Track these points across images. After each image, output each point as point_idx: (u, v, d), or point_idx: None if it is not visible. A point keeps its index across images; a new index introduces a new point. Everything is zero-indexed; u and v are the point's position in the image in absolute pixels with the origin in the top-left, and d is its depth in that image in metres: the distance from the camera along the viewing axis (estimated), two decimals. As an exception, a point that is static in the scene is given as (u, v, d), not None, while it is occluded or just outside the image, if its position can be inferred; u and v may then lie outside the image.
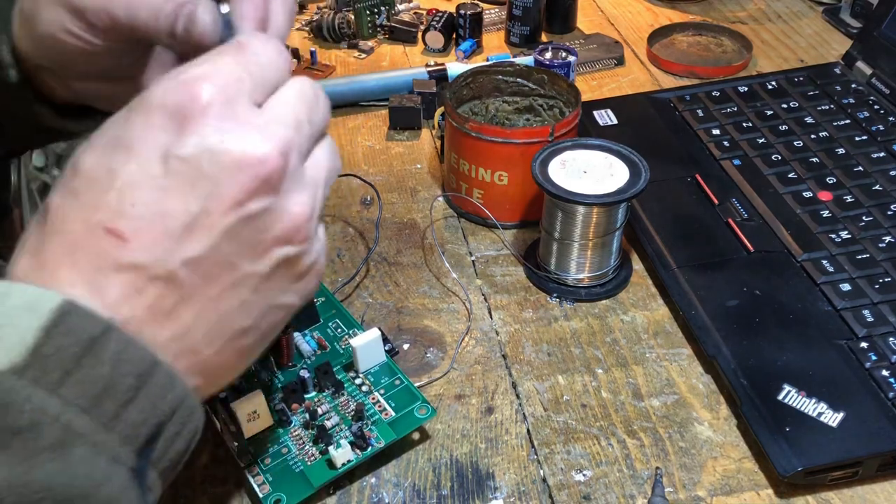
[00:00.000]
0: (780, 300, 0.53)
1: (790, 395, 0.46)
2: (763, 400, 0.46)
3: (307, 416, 0.46)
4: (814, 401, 0.46)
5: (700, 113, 0.71)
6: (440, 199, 0.66)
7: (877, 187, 0.60)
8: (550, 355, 0.53)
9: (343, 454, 0.43)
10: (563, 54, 0.75)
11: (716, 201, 0.61)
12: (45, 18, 0.42)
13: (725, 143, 0.67)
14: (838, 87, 0.72)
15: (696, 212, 0.60)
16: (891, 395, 0.46)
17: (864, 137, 0.65)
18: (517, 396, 0.50)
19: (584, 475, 0.45)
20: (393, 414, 0.46)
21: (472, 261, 0.60)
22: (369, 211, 0.65)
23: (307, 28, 0.91)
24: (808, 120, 0.68)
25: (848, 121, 0.67)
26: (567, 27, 0.90)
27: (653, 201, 0.61)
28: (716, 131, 0.68)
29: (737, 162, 0.65)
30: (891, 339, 0.49)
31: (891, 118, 0.67)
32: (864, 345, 0.49)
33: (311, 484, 0.43)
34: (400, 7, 0.93)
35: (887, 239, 0.56)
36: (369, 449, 0.44)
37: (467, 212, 0.64)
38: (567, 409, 0.49)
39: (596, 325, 0.55)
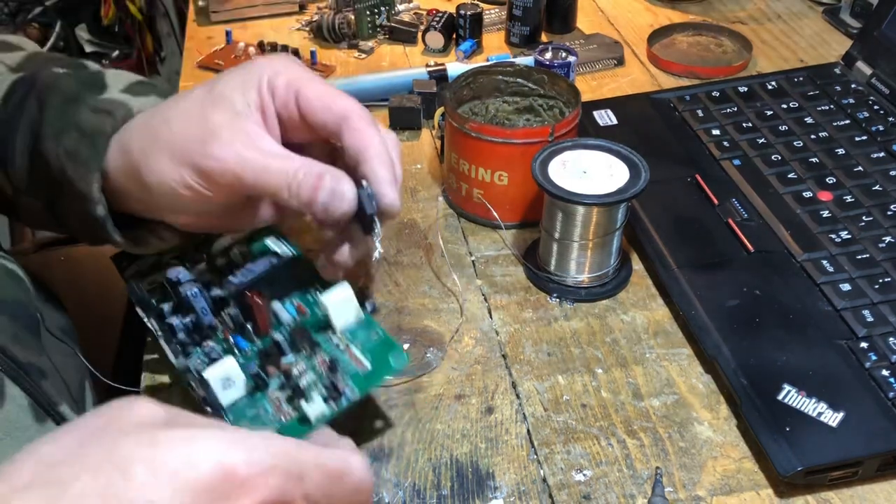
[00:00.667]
0: (780, 300, 0.53)
1: (790, 395, 0.46)
2: (763, 400, 0.46)
3: (283, 378, 0.45)
4: (814, 401, 0.46)
5: (700, 113, 0.71)
6: (440, 199, 0.66)
7: (877, 187, 0.60)
8: (550, 355, 0.53)
9: (315, 408, 0.43)
10: (563, 54, 0.75)
11: (716, 201, 0.61)
12: (160, 170, 0.43)
13: (725, 143, 0.67)
14: (838, 88, 0.72)
15: (696, 212, 0.60)
16: (891, 394, 0.46)
17: (864, 137, 0.65)
18: (517, 396, 0.50)
19: (584, 475, 0.45)
20: (368, 366, 0.45)
21: (472, 261, 0.60)
22: (369, 211, 0.65)
23: (307, 28, 0.91)
24: (808, 120, 0.68)
25: (848, 121, 0.67)
26: (567, 27, 0.90)
27: (653, 201, 0.61)
28: (716, 131, 0.68)
29: (737, 162, 0.65)
30: (891, 339, 0.49)
31: (890, 118, 0.67)
32: (864, 345, 0.49)
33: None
34: (400, 7, 0.93)
35: (887, 239, 0.56)
36: (343, 400, 0.43)
37: (467, 212, 0.64)
38: (567, 409, 0.49)
39: (596, 325, 0.55)
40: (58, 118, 0.47)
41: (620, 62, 0.84)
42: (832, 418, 0.45)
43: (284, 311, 0.49)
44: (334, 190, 0.42)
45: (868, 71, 0.73)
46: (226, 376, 0.43)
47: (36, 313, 0.51)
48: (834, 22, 0.89)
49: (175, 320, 0.47)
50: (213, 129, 0.43)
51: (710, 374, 0.51)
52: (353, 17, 0.89)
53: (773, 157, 0.65)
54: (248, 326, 0.47)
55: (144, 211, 0.47)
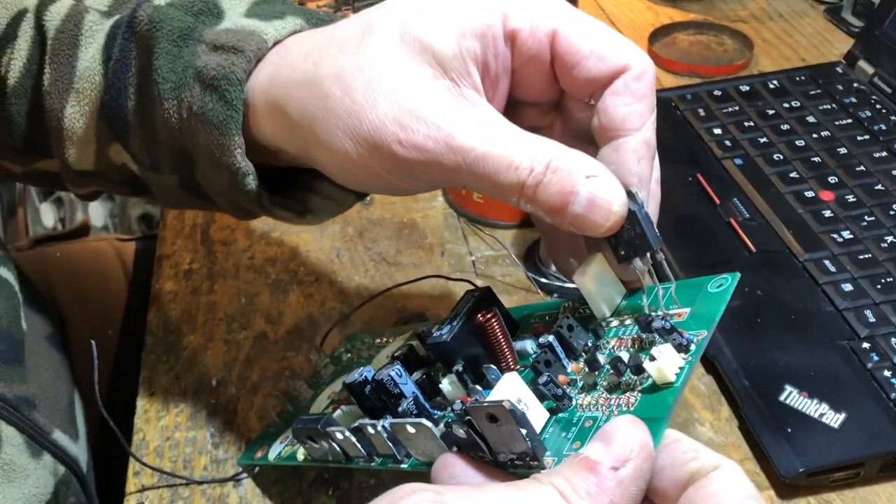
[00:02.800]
0: (781, 300, 0.52)
1: (792, 396, 0.46)
2: (764, 401, 0.46)
3: (584, 374, 0.32)
4: (815, 401, 0.46)
5: (701, 112, 0.70)
6: (440, 199, 0.66)
7: (879, 187, 0.60)
8: (551, 356, 0.52)
9: (670, 359, 0.30)
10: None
11: (717, 201, 0.61)
12: (336, 149, 0.33)
13: (727, 142, 0.67)
14: (840, 87, 0.71)
15: (697, 212, 0.60)
16: (893, 395, 0.46)
17: (866, 137, 0.65)
18: (517, 397, 0.50)
19: (584, 476, 0.45)
20: (688, 310, 0.32)
21: (472, 261, 0.60)
22: (369, 211, 0.65)
23: (307, 27, 0.91)
24: (810, 119, 0.68)
25: (850, 120, 0.67)
26: (568, 26, 0.90)
27: (654, 201, 0.60)
28: (717, 131, 0.68)
29: (738, 161, 0.64)
30: (893, 339, 0.49)
31: (893, 117, 0.67)
32: (866, 345, 0.49)
33: (660, 418, 0.29)
34: (400, 6, 0.92)
35: (889, 239, 0.56)
36: (693, 348, 0.30)
37: (467, 212, 0.64)
38: (567, 409, 0.49)
39: (596, 326, 0.54)
40: (171, 69, 0.37)
41: (621, 61, 0.84)
42: (834, 419, 0.45)
43: (524, 343, 0.36)
44: (596, 201, 0.30)
45: (870, 70, 0.72)
46: (518, 397, 0.31)
47: (20, 332, 0.48)
48: (836, 21, 0.89)
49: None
50: (414, 104, 0.31)
51: (711, 374, 0.51)
52: (352, 15, 0.89)
53: (774, 157, 0.64)
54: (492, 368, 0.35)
55: (304, 163, 0.37)
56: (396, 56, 0.32)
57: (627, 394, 0.30)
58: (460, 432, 0.29)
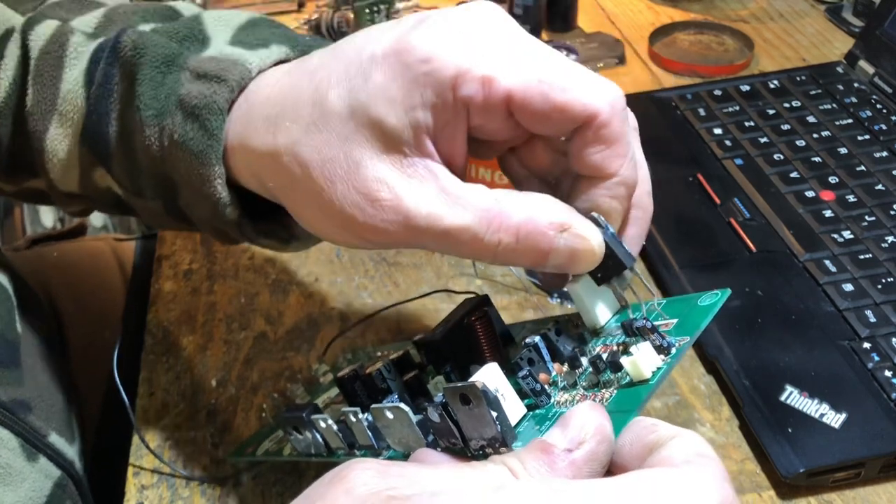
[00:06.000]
0: (782, 300, 0.52)
1: (792, 396, 0.46)
2: (765, 401, 0.46)
3: (566, 374, 0.32)
4: (816, 402, 0.46)
5: (702, 112, 0.70)
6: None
7: (879, 187, 0.60)
8: (551, 356, 0.52)
9: (647, 357, 0.30)
10: (564, 53, 0.75)
11: (718, 201, 0.61)
12: (308, 219, 0.34)
13: (727, 142, 0.66)
14: (840, 87, 0.71)
15: (697, 212, 0.60)
16: (893, 395, 0.46)
17: (867, 137, 0.65)
18: (517, 397, 0.50)
19: (584, 477, 0.45)
20: (674, 321, 0.32)
21: (472, 261, 0.60)
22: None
23: (306, 27, 0.91)
24: (811, 119, 0.68)
25: (850, 120, 0.67)
26: (568, 26, 0.90)
27: (654, 201, 0.60)
28: (717, 130, 0.68)
29: (739, 161, 0.64)
30: (893, 339, 0.49)
31: (893, 117, 0.67)
32: (866, 345, 0.49)
33: (629, 411, 0.29)
34: (399, 6, 0.92)
35: (889, 239, 0.56)
36: (673, 351, 0.30)
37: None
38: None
39: (597, 326, 0.54)
40: (154, 96, 0.36)
41: (622, 61, 0.84)
42: (834, 419, 0.45)
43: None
44: (575, 253, 0.30)
45: (871, 70, 0.72)
46: (495, 387, 0.30)
47: (15, 334, 0.48)
48: (836, 21, 0.89)
49: None
50: (367, 187, 0.31)
51: (711, 374, 0.51)
52: (352, 15, 0.89)
53: (775, 157, 0.64)
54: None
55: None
56: (347, 133, 0.31)
57: (604, 390, 0.31)
58: (435, 416, 0.30)
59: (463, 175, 0.33)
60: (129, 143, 0.38)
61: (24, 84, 0.41)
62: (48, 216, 1.53)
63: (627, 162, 0.32)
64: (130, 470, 0.47)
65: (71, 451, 0.49)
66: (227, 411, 0.50)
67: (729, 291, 0.32)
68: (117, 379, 0.45)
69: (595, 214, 0.32)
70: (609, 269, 0.32)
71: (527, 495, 0.24)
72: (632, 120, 0.34)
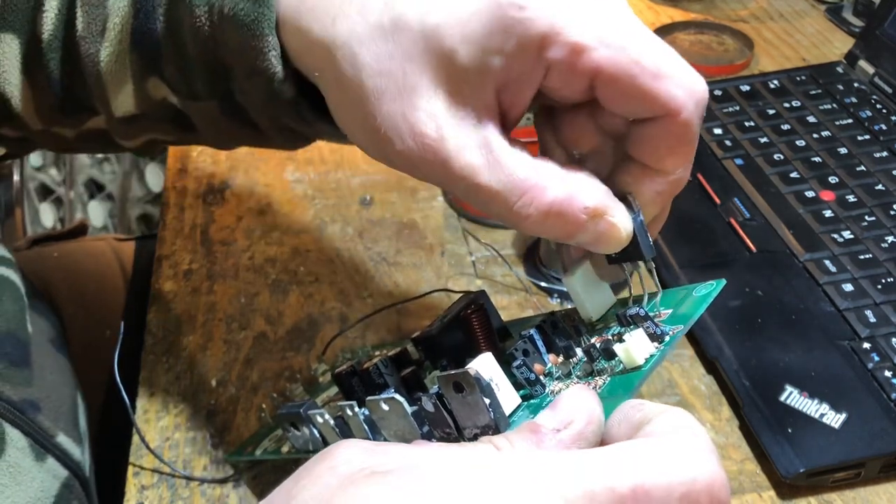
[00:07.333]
0: (782, 301, 0.52)
1: (792, 396, 0.46)
2: (765, 401, 0.46)
3: (561, 364, 0.33)
4: (816, 402, 0.46)
5: (702, 112, 0.70)
6: (440, 199, 0.66)
7: (879, 187, 0.60)
8: (551, 356, 0.52)
9: (640, 344, 0.30)
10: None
11: (717, 201, 0.61)
12: (352, 129, 0.32)
13: (727, 142, 0.66)
14: (840, 87, 0.71)
15: (697, 212, 0.60)
16: (893, 396, 0.46)
17: (867, 137, 0.65)
18: (517, 397, 0.50)
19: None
20: (669, 311, 0.32)
21: (473, 261, 0.60)
22: (369, 211, 0.65)
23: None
24: (811, 119, 0.68)
25: (850, 120, 0.67)
26: (568, 26, 0.90)
27: (654, 201, 0.60)
28: (718, 130, 0.68)
29: (739, 161, 0.64)
30: (893, 339, 0.49)
31: (893, 117, 0.67)
32: (866, 345, 0.49)
33: (622, 395, 0.29)
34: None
35: (889, 239, 0.56)
36: (667, 339, 0.30)
37: (467, 212, 0.64)
38: (568, 410, 0.49)
39: (597, 326, 0.54)
40: None
41: (622, 61, 0.84)
42: (834, 419, 0.45)
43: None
44: (602, 237, 0.30)
45: (871, 70, 0.72)
46: (489, 376, 0.30)
47: (26, 334, 0.48)
48: (836, 21, 0.89)
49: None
50: (416, 116, 0.29)
51: (711, 374, 0.51)
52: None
53: (775, 157, 0.64)
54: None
55: None
56: (413, 52, 0.29)
57: (598, 378, 0.31)
58: (429, 405, 0.30)
59: (514, 125, 0.31)
60: (179, 35, 0.36)
61: (73, 9, 0.40)
62: (48, 216, 1.53)
63: (688, 164, 0.31)
64: (130, 470, 0.47)
65: (77, 452, 0.49)
66: (227, 411, 0.50)
67: (724, 282, 0.32)
68: (118, 379, 0.45)
69: (631, 198, 0.31)
70: (627, 254, 0.32)
71: (510, 466, 0.24)
72: None
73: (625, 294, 0.34)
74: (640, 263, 0.32)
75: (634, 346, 0.29)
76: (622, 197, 0.31)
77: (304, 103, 0.36)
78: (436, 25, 0.29)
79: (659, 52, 0.29)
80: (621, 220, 0.30)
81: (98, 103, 0.42)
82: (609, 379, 0.30)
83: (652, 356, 0.30)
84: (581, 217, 0.29)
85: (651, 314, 0.32)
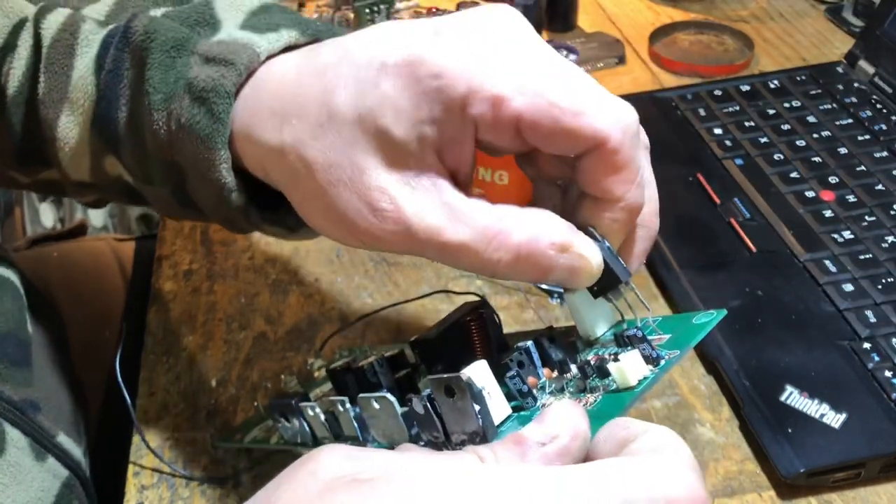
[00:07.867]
0: (782, 301, 0.52)
1: (792, 397, 0.46)
2: (765, 401, 0.46)
3: (554, 379, 0.33)
4: (816, 402, 0.46)
5: (702, 112, 0.70)
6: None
7: (879, 187, 0.60)
8: (551, 356, 0.52)
9: (633, 364, 0.30)
10: (564, 53, 0.75)
11: (717, 201, 0.61)
12: (307, 214, 0.34)
13: (727, 142, 0.66)
14: (841, 87, 0.71)
15: (697, 212, 0.60)
16: (893, 396, 0.46)
17: (867, 137, 0.65)
18: (517, 397, 0.50)
19: (584, 477, 0.45)
20: (668, 336, 0.32)
21: (473, 261, 0.60)
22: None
23: (307, 27, 0.91)
24: (811, 119, 0.68)
25: (850, 120, 0.67)
26: (568, 25, 0.90)
27: (654, 201, 0.60)
28: (718, 130, 0.68)
29: (739, 161, 0.64)
30: (894, 339, 0.49)
31: (893, 117, 0.67)
32: (866, 346, 0.49)
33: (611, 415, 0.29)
34: (399, 5, 0.92)
35: (890, 239, 0.56)
36: (662, 363, 0.31)
37: (468, 211, 0.64)
38: (568, 410, 0.49)
39: (597, 326, 0.54)
40: (163, 80, 0.36)
41: (622, 61, 0.84)
42: (835, 420, 0.45)
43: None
44: (575, 271, 0.31)
45: (871, 70, 0.72)
46: (481, 383, 0.30)
47: (27, 334, 0.49)
48: (836, 21, 0.89)
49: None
50: (370, 196, 0.31)
51: (711, 375, 0.51)
52: (352, 15, 0.89)
53: (775, 157, 0.64)
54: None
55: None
56: (353, 138, 0.31)
57: (589, 395, 0.31)
58: (419, 407, 0.30)
59: (469, 183, 0.33)
60: (139, 129, 0.38)
61: (37, 73, 0.41)
62: (48, 216, 1.53)
63: (634, 188, 0.31)
64: (130, 469, 0.47)
65: (78, 452, 0.49)
66: (227, 411, 0.50)
67: (724, 312, 0.32)
68: (119, 379, 0.45)
69: (591, 228, 0.32)
70: (604, 283, 0.33)
71: (493, 478, 0.24)
72: (644, 139, 0.34)
73: (618, 316, 0.35)
74: (622, 289, 0.33)
75: (629, 367, 0.30)
76: (585, 230, 0.32)
77: (252, 209, 0.38)
78: (368, 109, 0.31)
79: (577, 88, 0.30)
80: (588, 251, 0.31)
81: (54, 163, 0.42)
82: (601, 397, 0.30)
83: (645, 378, 0.30)
84: (549, 253, 0.30)
85: (649, 337, 0.32)
